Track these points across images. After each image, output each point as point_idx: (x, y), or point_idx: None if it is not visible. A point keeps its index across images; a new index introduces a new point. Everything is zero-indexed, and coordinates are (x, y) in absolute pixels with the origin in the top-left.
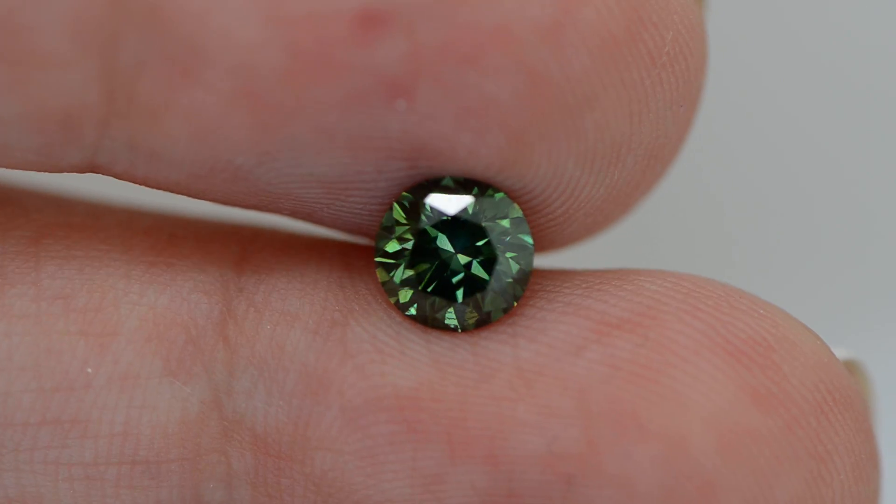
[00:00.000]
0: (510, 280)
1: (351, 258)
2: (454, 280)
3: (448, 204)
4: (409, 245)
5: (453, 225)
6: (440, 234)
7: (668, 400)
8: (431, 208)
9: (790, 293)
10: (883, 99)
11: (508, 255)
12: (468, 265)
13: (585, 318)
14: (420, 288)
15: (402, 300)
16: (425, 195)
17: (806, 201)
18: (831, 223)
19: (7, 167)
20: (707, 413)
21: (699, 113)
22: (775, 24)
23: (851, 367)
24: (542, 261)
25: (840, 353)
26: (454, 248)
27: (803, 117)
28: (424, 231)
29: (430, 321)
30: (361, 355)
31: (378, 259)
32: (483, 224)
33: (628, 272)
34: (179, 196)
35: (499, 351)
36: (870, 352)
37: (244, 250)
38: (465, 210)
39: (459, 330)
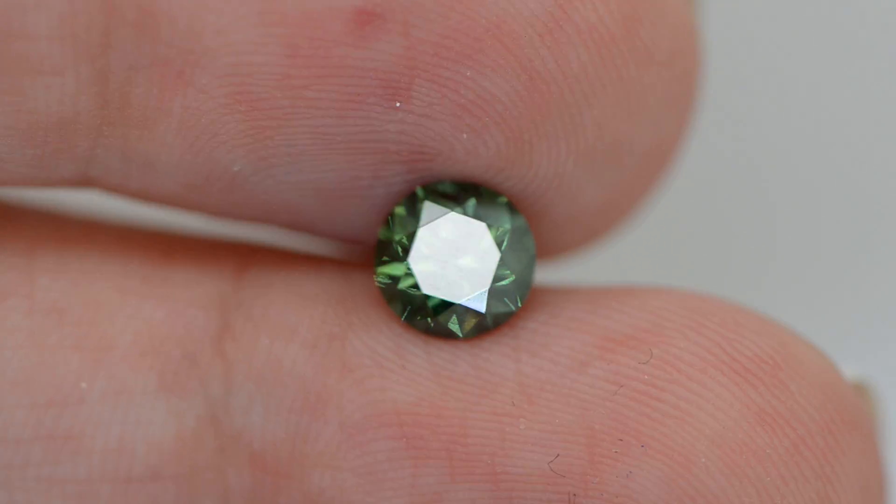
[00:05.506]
0: (511, 285)
1: (349, 272)
2: (455, 286)
3: (448, 208)
4: (408, 252)
5: (454, 229)
6: (440, 239)
7: (672, 418)
8: (431, 213)
9: (798, 310)
10: (888, 101)
11: (510, 259)
12: (469, 270)
13: (589, 333)
14: (420, 295)
15: (402, 308)
16: (424, 200)
17: (815, 214)
18: (841, 238)
19: None
20: (712, 432)
21: (702, 129)
22: (775, 28)
23: (860, 385)
24: (546, 275)
25: (849, 371)
26: (454, 253)
27: (808, 129)
28: (423, 237)
29: (430, 328)
30: (361, 370)
31: (377, 266)
32: (483, 228)
33: (633, 288)
34: (175, 213)
35: (501, 365)
36: (880, 370)
37: (242, 264)
38: (465, 214)
39: (460, 335)
